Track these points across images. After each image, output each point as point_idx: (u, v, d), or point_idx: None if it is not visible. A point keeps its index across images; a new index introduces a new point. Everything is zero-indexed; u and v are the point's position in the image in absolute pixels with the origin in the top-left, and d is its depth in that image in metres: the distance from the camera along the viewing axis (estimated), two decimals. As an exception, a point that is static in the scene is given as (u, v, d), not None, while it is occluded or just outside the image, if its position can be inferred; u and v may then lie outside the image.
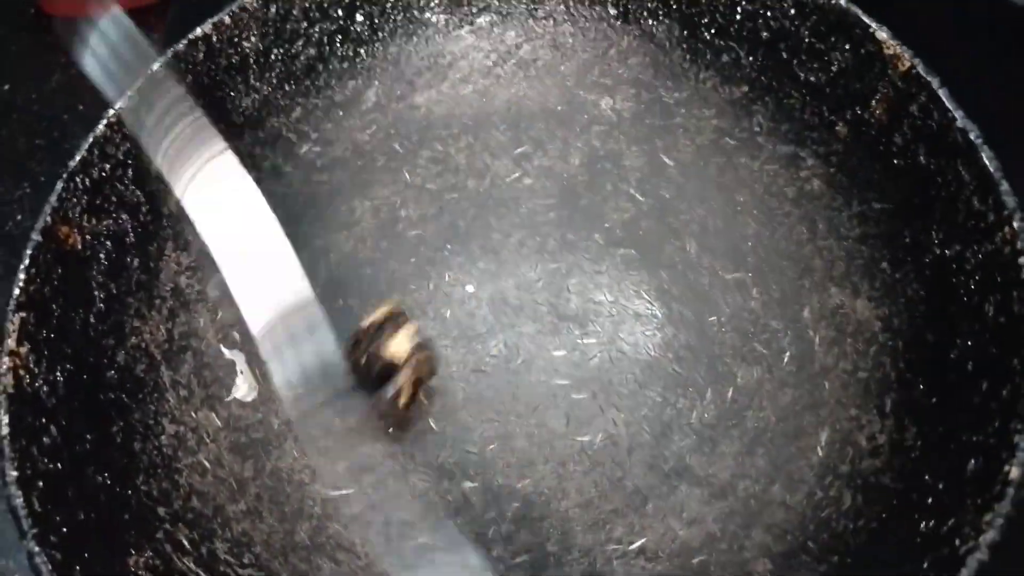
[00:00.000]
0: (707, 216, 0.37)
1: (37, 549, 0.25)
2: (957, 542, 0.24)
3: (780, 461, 0.31)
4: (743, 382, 0.34)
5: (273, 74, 0.37)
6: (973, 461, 0.26)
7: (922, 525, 0.26)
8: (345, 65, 0.38)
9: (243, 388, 0.34)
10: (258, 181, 0.36)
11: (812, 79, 0.35)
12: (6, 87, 0.48)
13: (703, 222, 0.37)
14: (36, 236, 0.30)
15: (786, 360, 0.34)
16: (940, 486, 0.27)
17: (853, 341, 0.32)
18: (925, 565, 0.25)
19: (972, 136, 0.29)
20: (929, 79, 0.31)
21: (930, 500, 0.26)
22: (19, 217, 0.44)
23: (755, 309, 0.35)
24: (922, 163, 0.32)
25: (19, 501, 0.25)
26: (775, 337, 0.34)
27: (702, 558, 0.30)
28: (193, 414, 0.32)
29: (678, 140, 0.38)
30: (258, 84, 0.36)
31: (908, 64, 0.31)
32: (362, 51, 0.38)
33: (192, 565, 0.28)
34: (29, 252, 0.30)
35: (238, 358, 0.35)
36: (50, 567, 0.25)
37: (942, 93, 0.31)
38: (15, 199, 0.45)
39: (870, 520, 0.28)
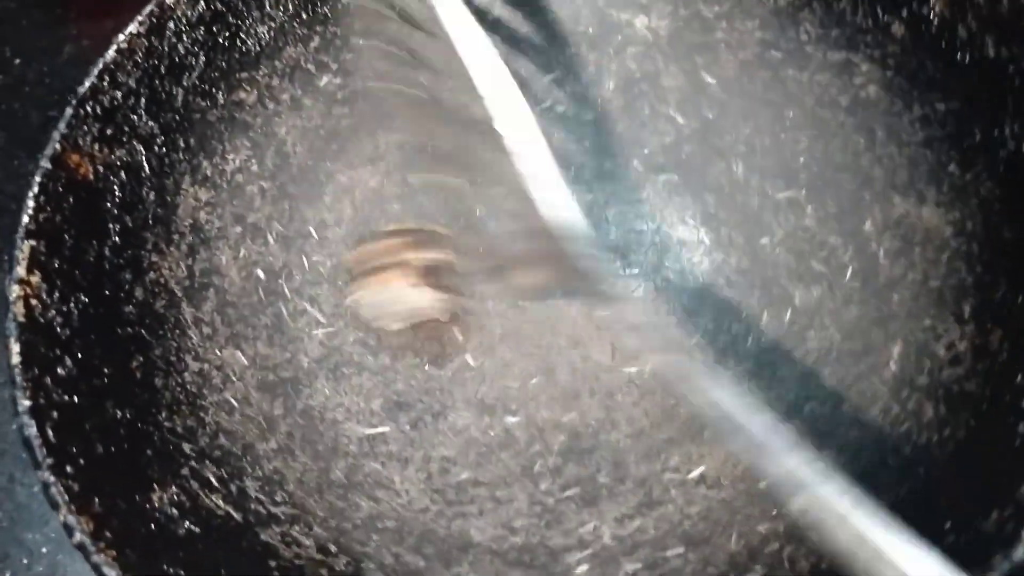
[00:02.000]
0: (754, 134, 0.35)
1: (52, 479, 0.23)
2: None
3: (849, 379, 0.29)
4: (802, 303, 0.32)
5: (289, 1, 0.35)
6: (1073, 353, 0.23)
7: (1020, 427, 0.23)
8: (364, -10, 0.36)
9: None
10: (276, 114, 0.35)
11: (864, -23, 0.32)
12: (17, 61, 0.47)
13: (749, 141, 0.35)
14: (45, 163, 0.28)
15: (848, 276, 0.31)
16: (1036, 385, 0.24)
17: (922, 250, 0.30)
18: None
19: (1048, 15, 0.27)
20: (996, -39, 0.29)
21: (1024, 402, 0.24)
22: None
23: (810, 227, 0.33)
24: (990, 55, 0.29)
25: (32, 431, 0.24)
26: (834, 254, 0.32)
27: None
28: (218, 352, 0.30)
29: (719, 56, 0.36)
30: (273, 11, 0.34)
31: (972, -52, 0.29)
32: (381, -25, 0.36)
33: (220, 502, 0.26)
34: (38, 179, 0.28)
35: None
36: (66, 498, 0.23)
37: (1011, -26, 0.28)
38: (30, 171, 0.43)
39: (957, 428, 0.25)
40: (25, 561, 0.34)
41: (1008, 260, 0.27)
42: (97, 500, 0.23)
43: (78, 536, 0.22)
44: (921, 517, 0.24)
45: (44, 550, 0.34)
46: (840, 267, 0.31)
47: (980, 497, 0.23)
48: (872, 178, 0.32)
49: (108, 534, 0.22)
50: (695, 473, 0.29)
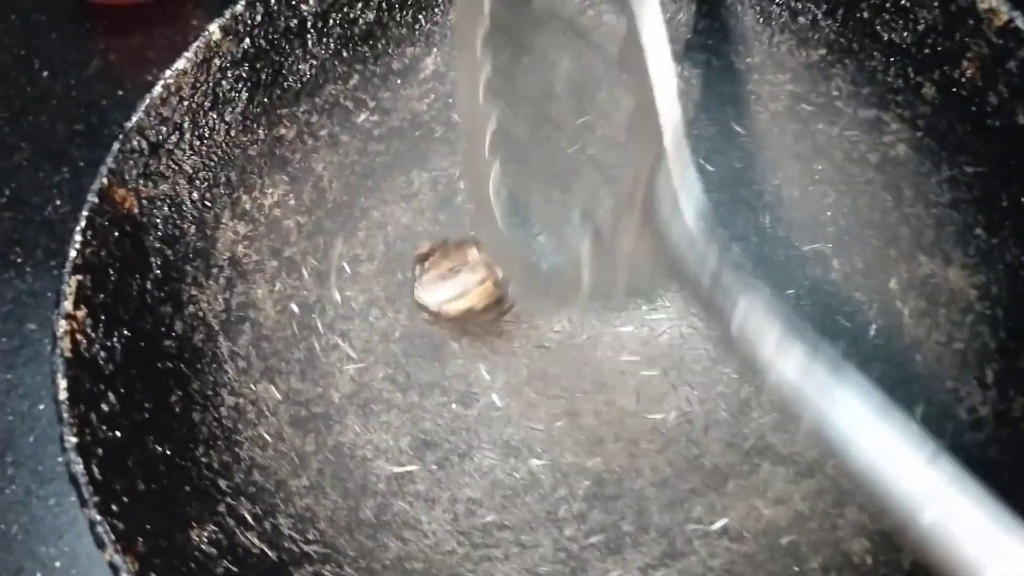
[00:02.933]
0: (782, 186, 0.35)
1: (99, 518, 0.23)
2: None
3: (871, 437, 0.30)
4: (825, 357, 0.32)
5: (331, 39, 0.35)
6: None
7: (1040, 498, 0.24)
8: (403, 31, 0.37)
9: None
10: (314, 150, 0.36)
11: (896, 39, 0.33)
12: (45, 74, 0.47)
13: (778, 192, 0.35)
14: (92, 198, 0.29)
15: (872, 333, 0.32)
16: (1057, 457, 0.25)
17: (946, 311, 0.30)
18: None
19: (1079, 89, 0.28)
20: (1028, 32, 0.29)
21: (1046, 472, 0.25)
22: (58, 202, 0.43)
23: (836, 281, 0.33)
24: (1020, 122, 0.30)
25: (79, 468, 0.24)
26: (859, 309, 0.32)
27: (791, 538, 0.28)
28: (252, 386, 0.31)
29: (750, 107, 0.36)
30: (315, 49, 0.35)
31: (1006, 18, 0.30)
32: (421, 17, 0.37)
33: (256, 540, 0.27)
34: (85, 214, 0.29)
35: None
36: (112, 537, 0.23)
37: (1043, 47, 0.29)
38: (55, 184, 0.44)
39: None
40: (39, 575, 0.34)
41: (1032, 328, 0.28)
42: (141, 539, 0.24)
43: (123, 576, 0.23)
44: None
45: (58, 564, 0.34)
46: (864, 323, 0.32)
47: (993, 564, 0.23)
48: (899, 236, 0.33)
49: (152, 574, 0.23)
50: (718, 525, 0.29)
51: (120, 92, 0.46)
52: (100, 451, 0.25)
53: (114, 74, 0.47)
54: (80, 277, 0.28)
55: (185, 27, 0.47)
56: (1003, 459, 0.26)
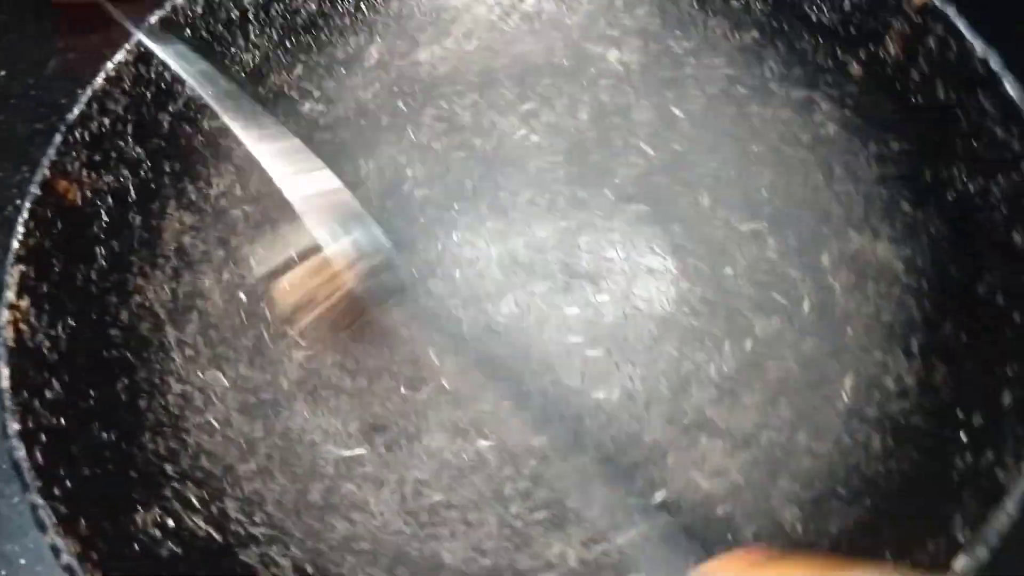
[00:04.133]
0: (720, 167, 0.36)
1: (41, 501, 0.24)
2: (999, 473, 0.23)
3: (804, 409, 0.31)
4: (762, 333, 0.33)
5: (273, 30, 0.36)
6: (1009, 393, 0.25)
7: (958, 461, 0.25)
8: (347, 21, 0.37)
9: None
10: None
11: (824, 19, 0.34)
12: (3, 73, 0.47)
13: (716, 174, 0.36)
14: (35, 189, 0.29)
15: (806, 308, 0.33)
16: (975, 422, 0.26)
17: (875, 284, 0.31)
18: (964, 499, 0.24)
19: (993, 65, 0.29)
20: (945, 10, 0.30)
21: (965, 437, 0.26)
22: (18, 201, 0.43)
23: (772, 259, 0.34)
24: (941, 98, 0.31)
25: (21, 454, 0.25)
26: (794, 286, 0.33)
27: (726, 508, 0.29)
28: (200, 374, 0.31)
29: (688, 91, 0.37)
30: (258, 40, 0.35)
31: (925, -2, 0.31)
32: (363, 6, 0.37)
33: (202, 523, 0.27)
34: (28, 205, 0.29)
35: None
36: (54, 519, 0.24)
37: (960, 23, 0.30)
38: (15, 183, 0.44)
39: (902, 461, 0.27)
40: (4, 572, 0.34)
41: (953, 298, 0.29)
42: (83, 522, 0.24)
43: (65, 558, 0.23)
44: (864, 547, 0.25)
45: (23, 561, 0.34)
46: (798, 299, 0.33)
47: (919, 528, 0.24)
48: (830, 213, 0.34)
49: (94, 555, 0.23)
50: (657, 498, 0.30)
51: (80, 91, 0.46)
52: (43, 437, 0.25)
53: (74, 73, 0.47)
54: (23, 267, 0.28)
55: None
56: (925, 427, 0.27)
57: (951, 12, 0.30)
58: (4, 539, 0.35)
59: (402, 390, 0.34)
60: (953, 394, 0.27)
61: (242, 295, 0.34)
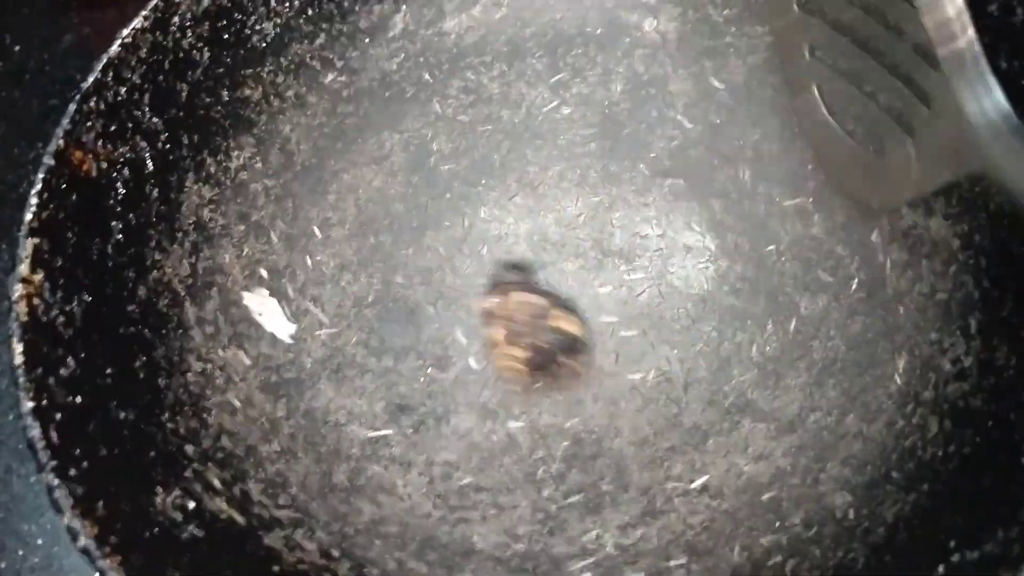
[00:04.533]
0: (762, 141, 0.35)
1: (57, 482, 0.23)
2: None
3: (854, 391, 0.29)
4: (808, 312, 0.32)
5: (295, -4, 0.34)
6: (1080, 373, 0.23)
7: (1024, 445, 0.23)
8: (371, -12, 0.36)
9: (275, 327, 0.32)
10: (281, 111, 0.35)
11: (875, -14, 0.32)
12: (17, 49, 0.46)
13: (757, 147, 0.35)
14: (48, 160, 0.28)
15: (855, 287, 0.31)
16: (1041, 404, 0.24)
17: (929, 262, 0.30)
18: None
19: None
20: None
21: (1030, 419, 0.24)
22: (34, 178, 0.42)
23: (817, 235, 0.33)
24: (1003, 68, 0.29)
25: (36, 432, 0.23)
26: (841, 264, 0.32)
27: (772, 494, 0.28)
28: (220, 352, 0.30)
29: (728, 61, 0.35)
30: (279, 7, 0.34)
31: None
32: (389, -28, 0.36)
33: (224, 505, 0.26)
34: (41, 176, 0.28)
35: (266, 297, 0.33)
36: (71, 501, 0.22)
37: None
38: (30, 160, 0.44)
39: (962, 445, 0.25)
40: (21, 552, 0.33)
41: (1015, 276, 0.27)
42: (101, 504, 0.23)
43: (83, 540, 0.22)
44: (925, 534, 0.24)
45: (40, 541, 0.34)
46: (846, 277, 0.31)
47: (985, 516, 0.23)
48: (880, 188, 0.32)
49: (113, 538, 0.22)
50: (698, 483, 0.29)
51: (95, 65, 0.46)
52: (59, 416, 0.24)
53: (88, 48, 0.46)
54: (36, 240, 0.27)
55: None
56: (987, 409, 0.26)
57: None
58: (20, 519, 0.34)
59: (429, 370, 0.32)
60: (1016, 375, 0.26)
61: (263, 271, 0.33)
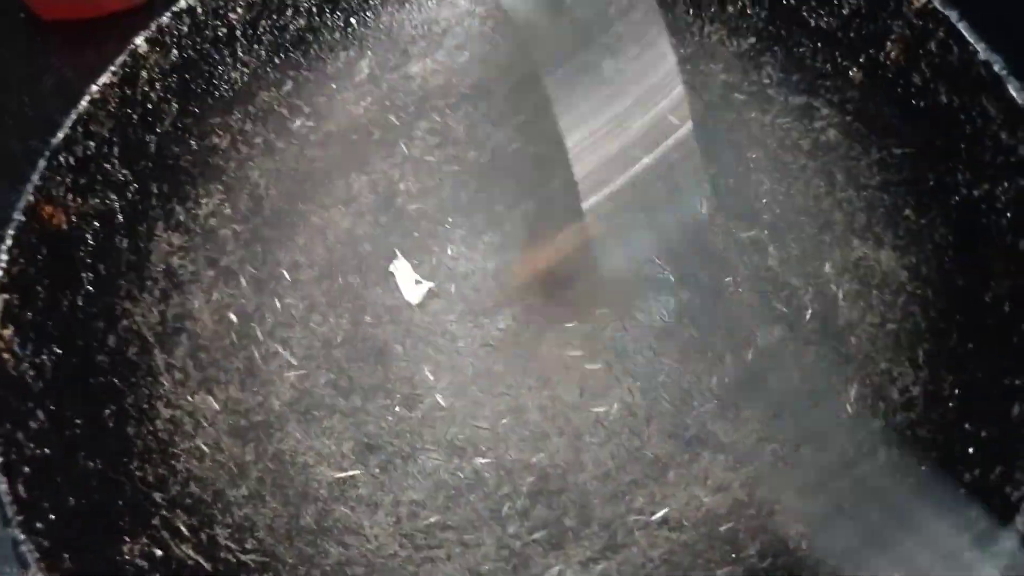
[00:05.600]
0: (718, 175, 0.35)
1: (22, 537, 0.23)
2: (1008, 489, 0.22)
3: (808, 421, 0.30)
4: (764, 343, 0.32)
5: (262, 46, 0.35)
6: (1019, 405, 0.24)
7: (966, 476, 0.24)
8: (336, 35, 0.37)
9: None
10: (250, 158, 0.36)
11: (823, 24, 0.33)
12: (-2, 91, 0.47)
13: (714, 181, 0.35)
14: (19, 216, 0.29)
15: (808, 317, 0.32)
16: (983, 434, 0.25)
17: (879, 293, 0.31)
18: (973, 515, 0.23)
19: (997, 68, 0.28)
20: (947, 13, 0.29)
21: (972, 449, 0.25)
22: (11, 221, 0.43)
23: (773, 267, 0.34)
24: (943, 102, 0.30)
25: (4, 487, 0.24)
26: (795, 295, 0.33)
27: (730, 525, 0.28)
28: (189, 397, 0.31)
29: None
30: (247, 57, 0.35)
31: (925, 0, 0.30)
32: (353, 20, 0.37)
33: (191, 552, 0.27)
34: (11, 232, 0.28)
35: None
36: (37, 555, 0.23)
37: (961, 27, 0.29)
38: (11, 203, 0.44)
39: (908, 474, 0.26)
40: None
41: (960, 307, 0.28)
42: (68, 556, 0.24)
43: (48, 593, 0.23)
44: (875, 563, 0.24)
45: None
46: (800, 308, 0.32)
47: (929, 544, 0.23)
48: (832, 221, 0.33)
49: (78, 591, 0.23)
50: (658, 515, 0.29)
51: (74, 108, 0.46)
52: (26, 469, 0.25)
53: (69, 90, 0.47)
54: (7, 296, 0.28)
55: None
56: (934, 439, 0.27)
57: (953, 16, 0.29)
58: (2, 561, 0.34)
59: (397, 408, 0.33)
60: (961, 405, 0.26)
61: (232, 315, 0.33)
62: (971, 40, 0.29)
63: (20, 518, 0.23)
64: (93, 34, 0.47)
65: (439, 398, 0.33)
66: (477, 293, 0.36)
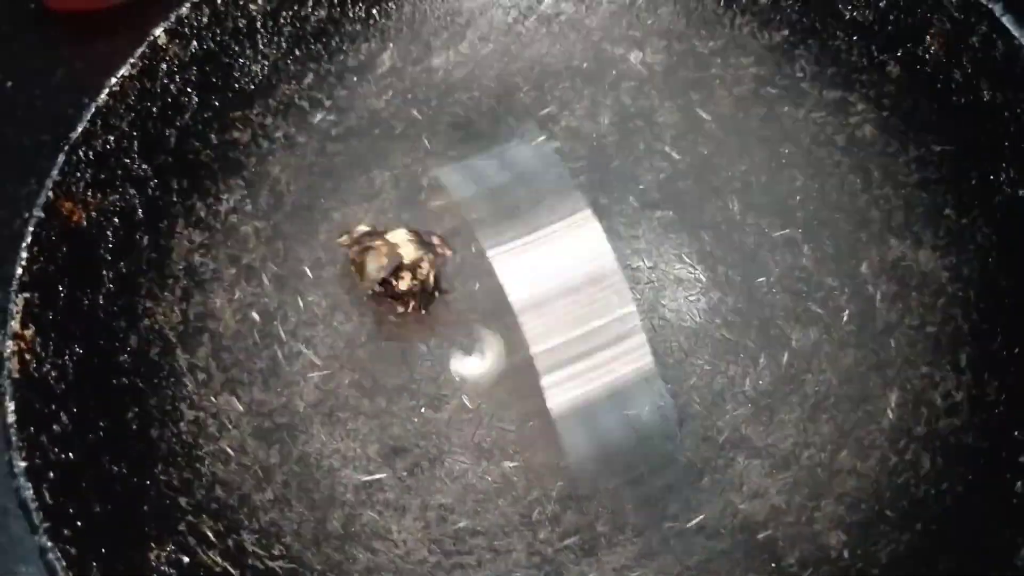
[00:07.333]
0: (750, 172, 0.35)
1: (49, 544, 0.23)
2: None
3: (847, 426, 0.29)
4: (799, 345, 0.32)
5: (282, 38, 0.34)
6: (1070, 411, 0.23)
7: (1017, 485, 0.23)
8: (358, 27, 0.36)
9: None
10: (270, 153, 0.35)
11: (859, 17, 0.32)
12: (9, 84, 0.46)
13: (745, 178, 0.35)
14: (38, 212, 0.28)
15: (845, 319, 0.31)
16: (1033, 441, 0.24)
17: (918, 294, 0.30)
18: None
19: (1044, 63, 0.27)
20: (990, 6, 0.29)
21: (1021, 458, 0.24)
22: (27, 214, 0.42)
23: (807, 267, 0.33)
24: (985, 98, 0.29)
25: (29, 493, 0.23)
26: (831, 295, 0.32)
27: (768, 533, 0.28)
28: (213, 399, 0.30)
29: (715, 92, 0.35)
30: (267, 49, 0.34)
31: (967, -8, 0.29)
32: (375, 11, 0.36)
33: (218, 558, 0.26)
34: (31, 229, 0.28)
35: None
36: (64, 563, 0.22)
37: (1006, 20, 0.28)
38: (22, 196, 0.43)
39: (955, 483, 0.25)
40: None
41: (1005, 310, 0.28)
42: (95, 564, 0.23)
43: (75, 604, 0.22)
44: (920, 574, 0.24)
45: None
46: (837, 309, 0.32)
47: (978, 558, 0.23)
48: (868, 219, 0.32)
49: (106, 601, 0.22)
50: (693, 522, 0.29)
51: (87, 101, 0.45)
52: (51, 474, 0.24)
53: (80, 83, 0.46)
54: (28, 295, 0.27)
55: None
56: (979, 445, 0.26)
57: (997, 8, 0.28)
58: (16, 560, 0.34)
59: (423, 410, 0.32)
60: (1008, 411, 0.26)
61: (255, 314, 0.33)
62: (1016, 34, 0.28)
63: (47, 524, 0.23)
64: (104, 26, 0.46)
65: (465, 399, 0.33)
66: (502, 292, 0.35)
